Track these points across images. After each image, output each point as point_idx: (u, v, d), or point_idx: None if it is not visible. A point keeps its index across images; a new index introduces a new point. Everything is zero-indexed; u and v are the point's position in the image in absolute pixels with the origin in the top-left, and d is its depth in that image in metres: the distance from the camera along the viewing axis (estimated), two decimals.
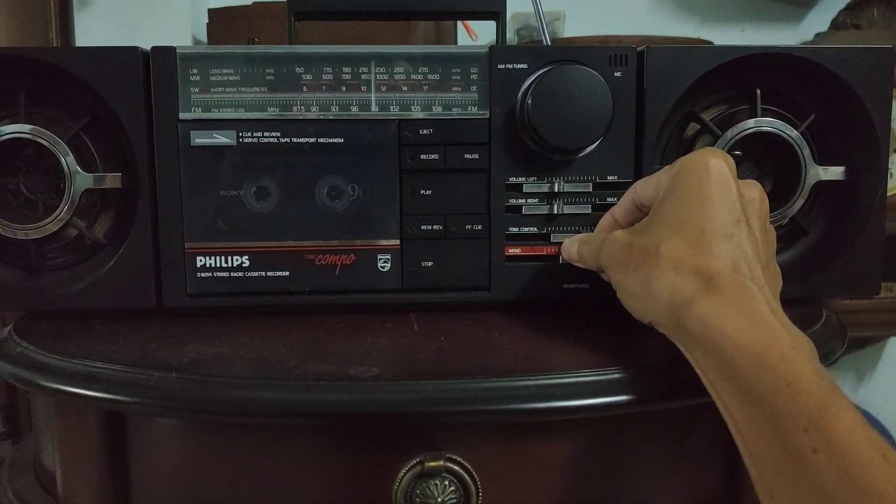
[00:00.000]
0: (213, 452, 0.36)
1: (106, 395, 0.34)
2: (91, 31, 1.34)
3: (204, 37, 1.33)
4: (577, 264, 0.42)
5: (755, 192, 0.37)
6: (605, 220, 0.43)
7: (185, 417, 0.35)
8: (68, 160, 0.44)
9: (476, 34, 1.37)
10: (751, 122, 0.44)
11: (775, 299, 0.34)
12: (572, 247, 0.42)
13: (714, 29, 1.39)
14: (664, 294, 0.33)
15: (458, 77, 0.44)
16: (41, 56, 0.43)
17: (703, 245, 0.33)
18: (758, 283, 0.32)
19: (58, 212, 0.44)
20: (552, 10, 1.35)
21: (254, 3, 1.30)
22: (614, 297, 0.38)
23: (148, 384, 0.33)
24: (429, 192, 0.44)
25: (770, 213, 0.44)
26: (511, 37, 1.36)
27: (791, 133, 0.44)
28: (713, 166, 0.34)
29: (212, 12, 1.29)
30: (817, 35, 1.25)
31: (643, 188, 0.39)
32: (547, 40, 0.56)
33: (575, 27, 1.35)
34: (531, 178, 0.44)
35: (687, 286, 0.32)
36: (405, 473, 0.33)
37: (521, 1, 0.63)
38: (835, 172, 0.44)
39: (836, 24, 1.24)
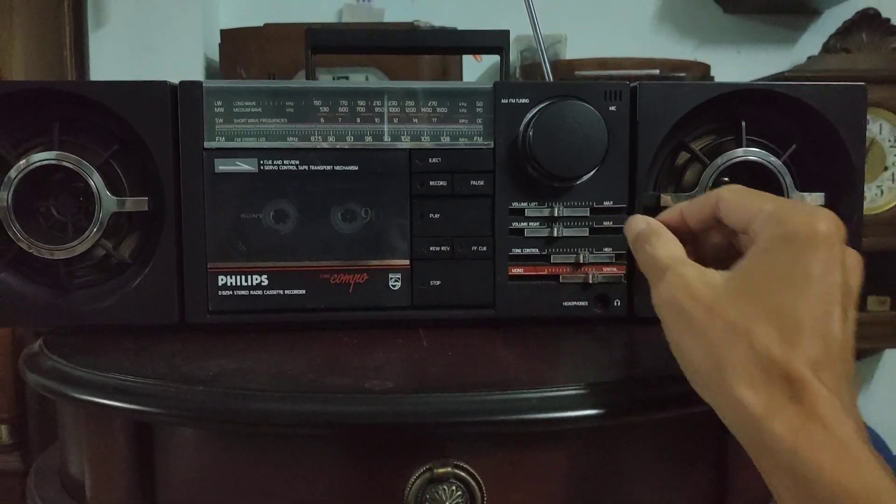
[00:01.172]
0: (236, 461, 0.38)
1: (137, 407, 0.36)
2: (105, 50, 1.37)
3: (216, 56, 1.36)
4: (633, 249, 0.38)
5: (856, 264, 0.32)
6: (671, 215, 0.37)
7: (211, 428, 0.37)
8: (98, 185, 0.46)
9: (480, 57, 1.41)
10: (738, 152, 0.47)
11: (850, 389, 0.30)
12: (638, 237, 0.37)
13: (711, 51, 1.42)
14: (743, 391, 0.29)
15: (465, 110, 0.47)
16: (76, 89, 0.46)
17: (796, 341, 0.29)
18: (847, 394, 0.29)
19: (87, 233, 0.47)
20: (554, 33, 1.39)
21: (265, 25, 1.33)
22: (611, 315, 0.40)
23: (177, 397, 0.36)
24: (437, 215, 0.47)
25: None
26: (514, 57, 1.40)
27: (774, 162, 0.47)
28: (822, 239, 0.30)
29: (224, 33, 1.33)
30: (809, 58, 1.28)
31: (731, 209, 0.34)
32: (549, 76, 0.59)
33: (576, 49, 1.39)
34: (532, 204, 0.47)
35: (773, 392, 0.28)
36: (416, 479, 0.35)
37: (525, 23, 0.66)
38: (816, 198, 0.47)
39: (826, 48, 1.28)
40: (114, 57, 1.37)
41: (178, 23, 1.39)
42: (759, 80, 1.34)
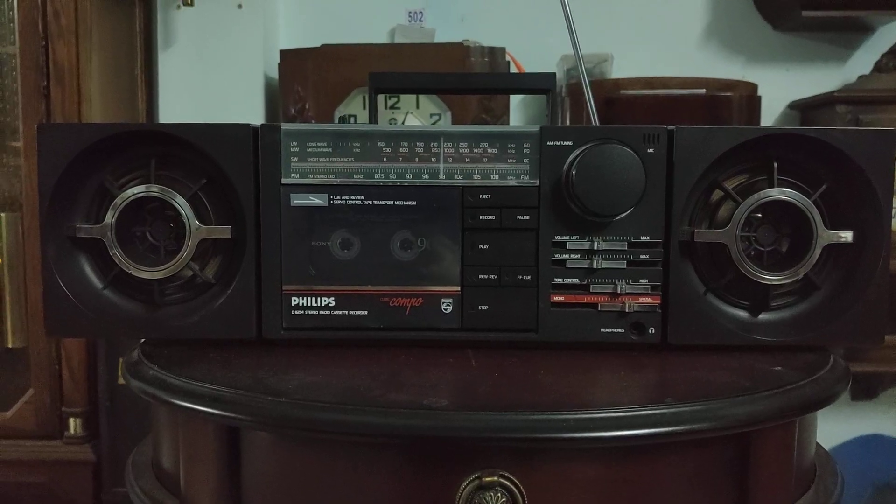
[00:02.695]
0: (311, 463, 0.44)
1: (230, 414, 0.42)
2: (172, 67, 1.47)
3: (275, 74, 1.44)
4: None
5: None
6: None
7: (291, 434, 0.43)
8: (188, 214, 0.53)
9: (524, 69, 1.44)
10: (771, 191, 0.50)
11: None
12: None
13: (759, 69, 1.43)
14: None
15: (513, 151, 0.51)
16: (171, 130, 0.52)
17: None
18: None
19: (178, 256, 0.53)
20: (599, 52, 1.42)
21: (322, 45, 1.41)
22: (646, 342, 0.44)
23: (264, 407, 0.42)
24: (486, 246, 0.52)
25: (785, 269, 0.50)
26: (561, 76, 1.43)
27: (804, 201, 0.50)
28: None
29: (283, 53, 1.41)
30: (860, 77, 1.28)
31: None
32: (595, 120, 0.63)
33: (622, 68, 1.41)
34: (574, 237, 0.51)
35: None
36: (466, 486, 0.40)
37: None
38: (844, 236, 0.50)
39: (878, 67, 1.27)
40: (180, 73, 1.46)
41: (240, 43, 1.47)
42: (806, 99, 1.34)
